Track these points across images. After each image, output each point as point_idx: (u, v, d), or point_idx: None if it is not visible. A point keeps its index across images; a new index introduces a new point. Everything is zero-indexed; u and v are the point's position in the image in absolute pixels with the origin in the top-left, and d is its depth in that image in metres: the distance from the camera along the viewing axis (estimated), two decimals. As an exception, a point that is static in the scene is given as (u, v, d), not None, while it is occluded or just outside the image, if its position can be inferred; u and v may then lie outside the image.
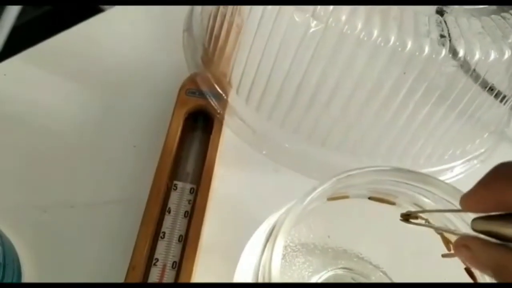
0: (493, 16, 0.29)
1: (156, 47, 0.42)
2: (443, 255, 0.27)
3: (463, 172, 0.36)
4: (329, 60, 0.28)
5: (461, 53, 0.27)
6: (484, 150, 0.38)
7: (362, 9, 0.27)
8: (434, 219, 0.27)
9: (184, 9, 0.43)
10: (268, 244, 0.23)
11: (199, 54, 0.39)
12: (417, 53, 0.26)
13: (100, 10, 0.44)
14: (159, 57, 0.41)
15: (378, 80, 0.28)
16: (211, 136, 0.35)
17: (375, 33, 0.26)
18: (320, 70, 0.29)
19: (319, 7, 0.27)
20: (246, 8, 0.32)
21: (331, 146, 0.33)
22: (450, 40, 0.27)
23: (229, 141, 0.36)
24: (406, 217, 0.26)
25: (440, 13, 0.29)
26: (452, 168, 0.36)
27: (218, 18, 0.35)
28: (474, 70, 0.29)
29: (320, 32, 0.28)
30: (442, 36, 0.27)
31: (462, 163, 0.36)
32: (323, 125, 0.32)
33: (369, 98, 0.29)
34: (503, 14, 0.30)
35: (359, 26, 0.27)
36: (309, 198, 0.23)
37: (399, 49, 0.26)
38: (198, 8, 0.41)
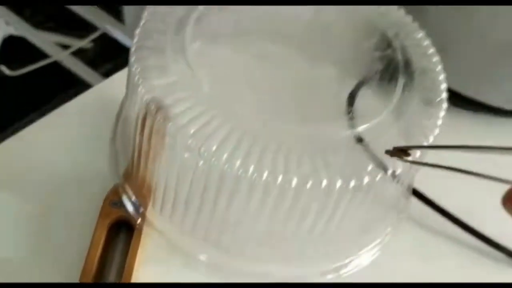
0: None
1: (89, 154, 0.46)
2: None
3: (363, 262, 0.40)
4: (217, 190, 0.33)
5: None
6: (381, 239, 0.42)
7: (243, 149, 0.32)
8: None
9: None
10: None
11: (121, 166, 0.43)
12: (286, 186, 0.31)
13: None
14: (90, 166, 0.45)
15: (257, 209, 0.32)
16: (130, 246, 0.39)
17: (251, 169, 0.31)
18: (211, 196, 0.34)
19: (203, 148, 0.31)
20: (149, 134, 0.36)
21: (234, 253, 0.37)
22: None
23: (148, 250, 0.40)
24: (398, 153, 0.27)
25: (360, 139, 0.33)
26: (349, 261, 0.40)
27: (131, 140, 0.39)
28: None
29: (207, 168, 0.32)
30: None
31: (360, 255, 0.41)
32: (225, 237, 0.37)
33: (255, 217, 0.34)
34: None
35: (238, 163, 0.31)
36: None
37: (271, 183, 0.31)
38: (122, 118, 0.45)
